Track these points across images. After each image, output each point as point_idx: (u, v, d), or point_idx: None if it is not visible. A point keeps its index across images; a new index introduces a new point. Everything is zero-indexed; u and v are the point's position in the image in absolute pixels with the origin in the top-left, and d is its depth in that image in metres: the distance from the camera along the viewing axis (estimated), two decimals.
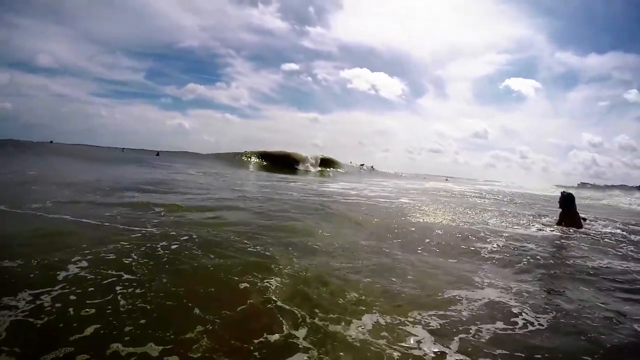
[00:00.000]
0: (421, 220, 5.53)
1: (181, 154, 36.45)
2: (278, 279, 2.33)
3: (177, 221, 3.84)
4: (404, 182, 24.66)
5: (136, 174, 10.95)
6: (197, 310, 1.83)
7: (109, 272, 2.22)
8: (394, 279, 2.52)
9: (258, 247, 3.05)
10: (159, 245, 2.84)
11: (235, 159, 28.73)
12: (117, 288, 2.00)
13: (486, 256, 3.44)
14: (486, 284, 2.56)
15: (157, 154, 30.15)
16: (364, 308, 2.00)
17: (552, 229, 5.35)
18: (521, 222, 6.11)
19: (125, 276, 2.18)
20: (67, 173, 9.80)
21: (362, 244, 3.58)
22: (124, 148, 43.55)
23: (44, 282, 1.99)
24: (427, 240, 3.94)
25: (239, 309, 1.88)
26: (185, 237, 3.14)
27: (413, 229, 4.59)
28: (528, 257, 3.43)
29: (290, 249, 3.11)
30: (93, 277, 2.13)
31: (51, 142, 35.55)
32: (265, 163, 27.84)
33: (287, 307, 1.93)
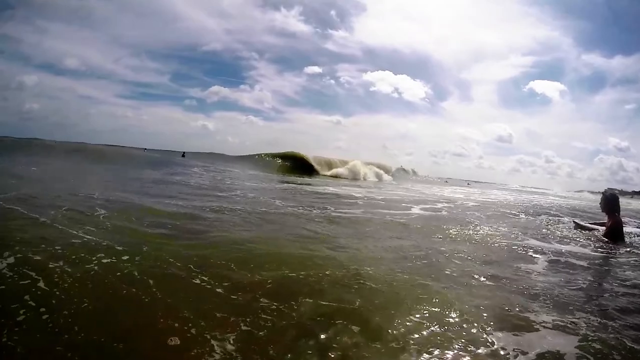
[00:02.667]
0: None
1: (207, 155, 37.21)
2: (238, 338, 1.64)
3: (124, 229, 3.52)
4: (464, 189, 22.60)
5: (137, 173, 11.11)
6: None
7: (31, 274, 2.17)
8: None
9: (215, 283, 2.28)
10: (94, 259, 2.57)
11: (267, 162, 27.74)
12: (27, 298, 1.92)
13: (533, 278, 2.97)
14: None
15: (183, 155, 31.42)
16: None
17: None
18: None
19: (41, 286, 2.09)
20: (66, 170, 10.17)
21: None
22: (145, 148, 46.12)
23: None
24: None
25: None
26: (126, 257, 2.63)
27: None
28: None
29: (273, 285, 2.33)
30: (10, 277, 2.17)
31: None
32: (288, 165, 27.22)
33: None
